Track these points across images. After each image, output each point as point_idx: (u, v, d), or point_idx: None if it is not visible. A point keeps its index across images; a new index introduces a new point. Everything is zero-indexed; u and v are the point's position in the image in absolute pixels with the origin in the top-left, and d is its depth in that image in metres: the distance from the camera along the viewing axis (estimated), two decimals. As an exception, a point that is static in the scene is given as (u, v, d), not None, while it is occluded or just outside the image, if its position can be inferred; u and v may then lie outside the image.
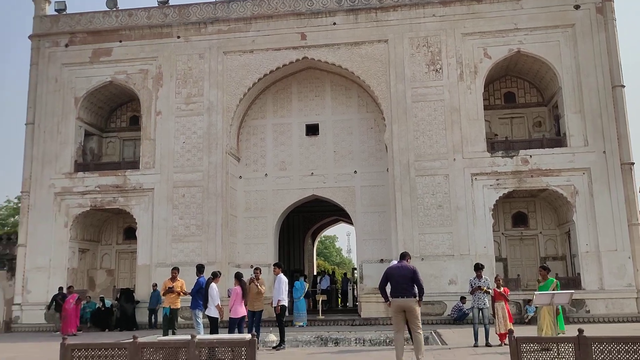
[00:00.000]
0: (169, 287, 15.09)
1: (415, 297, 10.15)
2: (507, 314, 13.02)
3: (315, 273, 34.71)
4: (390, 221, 21.96)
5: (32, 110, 24.07)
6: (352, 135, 24.00)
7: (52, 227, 23.10)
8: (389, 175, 22.28)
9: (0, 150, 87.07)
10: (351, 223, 26.37)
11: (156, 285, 21.28)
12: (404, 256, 10.76)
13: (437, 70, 22.10)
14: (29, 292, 22.68)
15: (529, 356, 9.30)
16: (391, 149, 21.90)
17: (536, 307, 12.62)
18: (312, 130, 24.33)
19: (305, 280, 23.40)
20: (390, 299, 10.35)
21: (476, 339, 13.04)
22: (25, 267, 22.88)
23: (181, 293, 15.07)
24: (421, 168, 21.59)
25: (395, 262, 13.67)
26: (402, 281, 10.17)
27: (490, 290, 13.33)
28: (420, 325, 10.22)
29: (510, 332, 9.53)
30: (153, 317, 21.30)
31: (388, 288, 10.62)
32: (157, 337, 12.97)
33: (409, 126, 21.81)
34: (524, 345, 9.30)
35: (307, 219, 33.66)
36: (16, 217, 37.73)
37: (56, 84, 24.08)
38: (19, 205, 26.14)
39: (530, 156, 21.08)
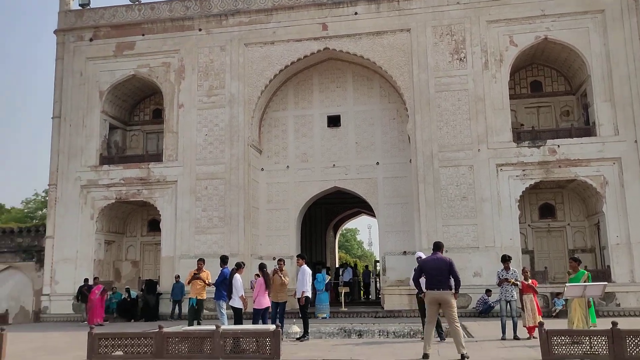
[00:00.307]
0: (194, 274, 15.08)
1: (451, 289, 9.97)
2: (535, 307, 12.77)
3: (337, 265, 34.64)
4: (414, 213, 21.75)
5: (58, 104, 24.34)
6: (374, 126, 23.80)
7: (79, 219, 23.37)
8: (411, 167, 22.04)
9: (28, 144, 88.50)
10: (373, 215, 26.20)
11: (179, 276, 21.40)
12: (438, 247, 10.46)
13: (461, 59, 21.76)
14: (57, 283, 22.99)
15: (559, 349, 9.13)
16: (414, 140, 21.66)
17: (566, 300, 12.36)
18: (334, 121, 24.18)
19: (327, 273, 23.32)
20: (424, 291, 10.16)
21: (504, 331, 12.82)
22: (53, 259, 23.20)
23: (206, 282, 15.05)
24: (445, 159, 21.31)
25: (421, 253, 13.62)
26: (437, 273, 9.98)
27: (518, 283, 13.08)
28: (457, 318, 10.03)
29: (541, 324, 9.36)
30: (177, 308, 21.40)
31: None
32: (182, 327, 13.00)
33: (432, 116, 21.54)
34: (555, 338, 9.13)
35: (328, 211, 33.59)
36: (44, 210, 38.31)
37: (81, 77, 24.29)
38: (47, 198, 26.47)
39: (558, 146, 20.66)
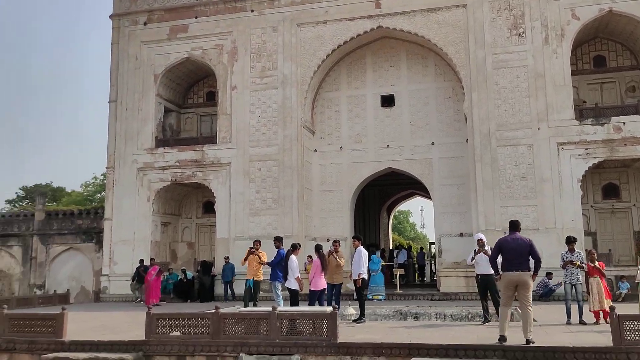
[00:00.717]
0: (250, 248, 15.06)
1: (529, 270, 9.58)
2: (603, 291, 12.18)
3: (391, 247, 34.35)
4: (470, 193, 21.23)
5: (114, 88, 24.76)
6: (429, 106, 23.29)
7: (136, 201, 23.81)
8: (468, 146, 21.50)
9: (87, 128, 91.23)
10: (428, 196, 25.78)
11: (228, 258, 21.66)
12: (516, 226, 10.01)
13: (520, 35, 20.96)
14: (116, 263, 23.56)
15: (632, 335, 8.69)
16: (470, 119, 21.08)
17: (637, 283, 11.72)
18: (388, 101, 23.78)
19: (382, 255, 23.03)
20: (501, 272, 9.78)
21: (569, 316, 12.32)
22: (111, 240, 23.76)
23: (262, 259, 15.01)
24: (503, 138, 20.67)
25: (481, 235, 13.22)
26: (517, 254, 9.56)
27: (584, 265, 12.52)
28: (531, 301, 9.64)
29: (612, 309, 8.90)
30: (228, 289, 21.59)
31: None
32: (238, 308, 13.05)
33: (489, 94, 20.89)
34: (627, 323, 8.68)
35: (382, 193, 33.24)
36: (102, 193, 39.37)
37: (136, 61, 24.60)
38: (105, 181, 27.13)
39: (624, 123, 19.71)
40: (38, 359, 11.00)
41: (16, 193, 50.81)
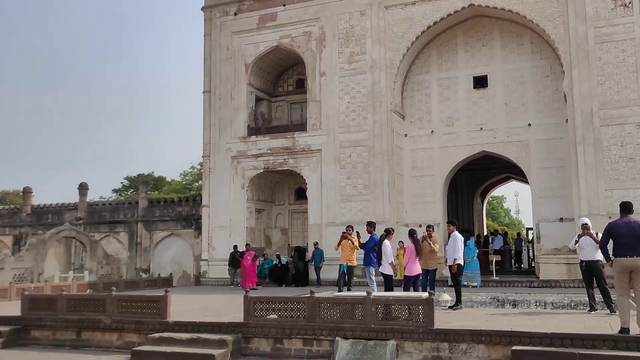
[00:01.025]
0: (342, 233, 15.11)
1: None
2: None
3: (485, 233, 33.42)
4: (571, 177, 20.19)
5: (207, 78, 25.51)
6: (525, 85, 22.30)
7: (231, 189, 24.51)
8: (568, 127, 20.42)
9: (182, 119, 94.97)
10: (523, 180, 24.78)
11: (317, 243, 21.90)
12: (627, 208, 9.37)
13: (625, 5, 19.59)
14: (214, 249, 24.40)
15: None
16: (571, 98, 19.99)
17: None
18: (480, 82, 23.00)
19: (478, 241, 22.45)
20: (612, 258, 9.21)
21: (685, 305, 11.44)
22: (209, 226, 24.63)
23: (355, 244, 15.00)
24: (607, 117, 19.47)
25: (586, 219, 12.51)
26: (632, 238, 8.98)
27: None
28: None
29: None
30: (316, 274, 21.83)
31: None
32: (332, 293, 13.13)
33: (591, 71, 19.70)
34: None
35: (475, 177, 32.35)
36: (199, 181, 40.93)
37: (228, 52, 25.21)
38: (202, 170, 28.18)
39: None
40: (144, 339, 11.59)
41: (121, 183, 54.02)
